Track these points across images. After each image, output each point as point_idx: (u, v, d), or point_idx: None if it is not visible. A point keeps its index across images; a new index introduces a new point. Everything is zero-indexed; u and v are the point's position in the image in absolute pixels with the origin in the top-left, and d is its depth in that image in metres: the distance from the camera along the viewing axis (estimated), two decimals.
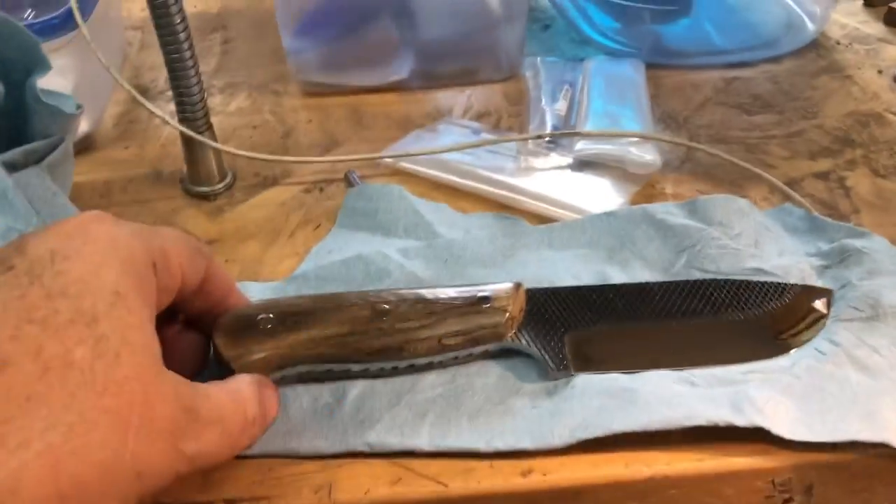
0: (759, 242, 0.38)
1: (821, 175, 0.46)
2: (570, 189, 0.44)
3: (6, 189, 0.36)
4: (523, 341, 0.33)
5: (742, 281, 0.36)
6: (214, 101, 0.56)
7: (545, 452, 0.30)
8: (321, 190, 0.46)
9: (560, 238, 0.40)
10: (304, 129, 0.53)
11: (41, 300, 0.23)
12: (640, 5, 0.58)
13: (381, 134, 0.51)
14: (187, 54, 0.42)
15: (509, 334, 0.33)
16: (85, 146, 0.51)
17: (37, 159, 0.39)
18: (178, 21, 0.41)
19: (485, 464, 0.30)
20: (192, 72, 0.43)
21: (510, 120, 0.52)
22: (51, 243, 0.24)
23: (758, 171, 0.45)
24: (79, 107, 0.41)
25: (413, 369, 0.33)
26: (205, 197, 0.46)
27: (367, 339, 0.32)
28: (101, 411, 0.22)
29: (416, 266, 0.38)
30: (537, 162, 0.46)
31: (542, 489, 0.29)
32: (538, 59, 0.57)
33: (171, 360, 0.26)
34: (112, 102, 0.56)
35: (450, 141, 0.48)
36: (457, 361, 0.33)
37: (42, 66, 0.39)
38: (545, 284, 0.36)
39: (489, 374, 0.33)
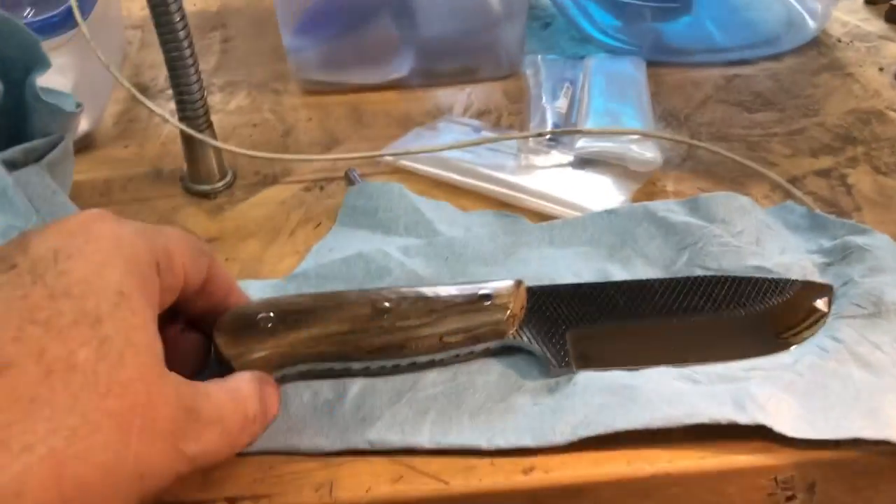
0: (760, 240, 0.38)
1: (822, 173, 0.46)
2: (571, 187, 0.44)
3: (6, 187, 0.36)
4: (525, 338, 0.33)
5: (742, 277, 0.35)
6: (214, 100, 0.56)
7: (547, 450, 0.29)
8: (321, 188, 0.46)
9: (561, 236, 0.40)
10: (304, 128, 0.53)
11: (44, 300, 0.23)
12: (640, 3, 0.57)
13: (381, 132, 0.51)
14: (187, 52, 0.42)
15: (510, 332, 0.33)
16: (85, 145, 0.51)
17: (37, 157, 0.39)
18: (178, 19, 0.41)
19: (486, 461, 0.30)
20: (192, 70, 0.43)
21: (510, 118, 0.52)
22: (53, 242, 0.24)
23: (759, 168, 0.45)
24: (79, 105, 0.41)
25: (414, 367, 0.33)
26: (205, 195, 0.46)
27: (368, 337, 0.32)
28: (104, 413, 0.22)
29: (417, 264, 0.38)
30: (538, 160, 0.46)
31: (544, 487, 0.29)
32: (538, 56, 0.57)
33: (172, 359, 0.26)
34: (112, 101, 0.56)
35: (450, 139, 0.48)
36: (458, 359, 0.33)
37: (42, 64, 0.39)
38: (546, 282, 0.36)
39: (490, 372, 0.33)
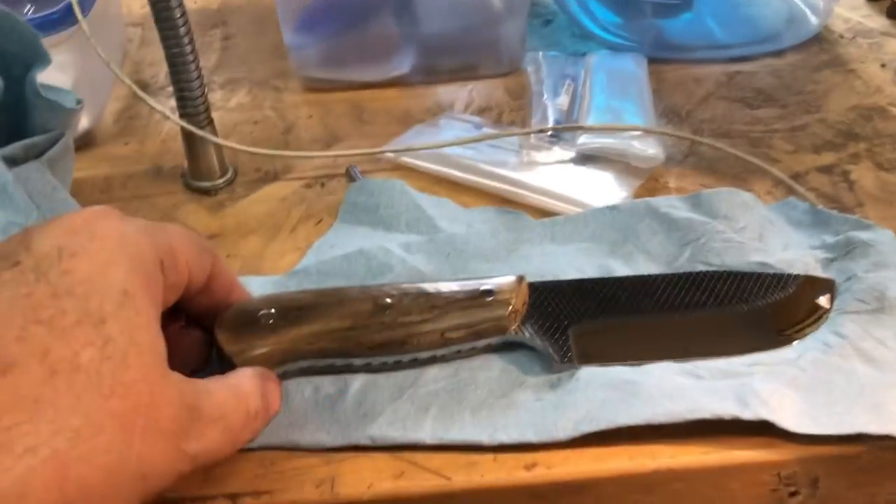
0: (763, 236, 0.38)
1: (825, 169, 0.45)
2: (573, 183, 0.44)
3: (6, 183, 0.36)
4: (527, 334, 0.33)
5: (745, 273, 0.35)
6: (215, 97, 0.56)
7: (549, 446, 0.29)
8: (322, 185, 0.46)
9: (563, 232, 0.40)
10: (305, 125, 0.52)
11: (48, 299, 0.23)
12: None
13: (382, 129, 0.51)
14: (188, 48, 0.42)
15: (512, 327, 0.33)
16: (85, 142, 0.51)
17: (37, 154, 0.39)
18: (179, 15, 0.41)
19: (488, 457, 0.30)
20: (193, 66, 0.43)
21: (511, 115, 0.52)
22: (57, 239, 0.24)
23: (761, 164, 0.45)
24: (79, 102, 0.41)
25: (416, 363, 0.33)
26: (206, 192, 0.46)
27: (370, 333, 0.31)
28: (107, 415, 0.22)
29: (418, 261, 0.38)
30: (539, 156, 0.46)
31: (547, 482, 0.29)
32: (539, 53, 0.56)
33: (174, 356, 0.25)
34: (112, 98, 0.56)
35: (451, 136, 0.48)
36: (460, 355, 0.33)
37: (42, 60, 0.39)
38: (548, 278, 0.36)
39: (492, 368, 0.33)
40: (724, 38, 0.58)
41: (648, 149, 0.45)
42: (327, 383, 0.32)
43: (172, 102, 0.45)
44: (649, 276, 0.36)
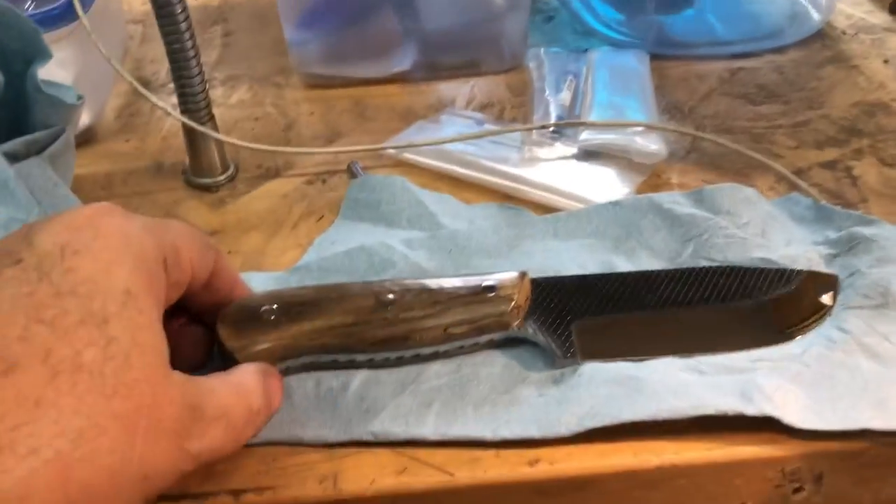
0: (766, 232, 0.38)
1: (828, 165, 0.45)
2: (575, 179, 0.44)
3: (7, 179, 0.35)
4: (529, 330, 0.33)
5: (747, 268, 0.35)
6: (216, 94, 0.56)
7: (552, 442, 0.29)
8: (324, 181, 0.46)
9: (565, 228, 0.40)
10: (306, 122, 0.52)
11: (50, 298, 0.22)
12: None
13: (383, 126, 0.51)
14: (189, 44, 0.42)
15: (515, 323, 0.32)
16: (86, 139, 0.51)
17: (38, 150, 0.39)
18: (180, 10, 0.40)
19: (491, 453, 0.29)
20: (194, 62, 0.42)
21: (513, 111, 0.52)
22: (60, 237, 0.24)
23: (764, 160, 0.45)
24: (80, 97, 0.41)
25: (418, 359, 0.32)
26: (207, 188, 0.46)
27: (372, 328, 0.31)
28: (110, 416, 0.22)
29: (420, 257, 0.38)
30: (542, 152, 0.46)
31: (550, 478, 0.29)
32: (541, 50, 0.56)
33: (176, 353, 0.25)
34: (113, 95, 0.55)
35: (453, 132, 0.48)
36: (462, 351, 0.33)
37: (43, 55, 0.38)
38: (551, 274, 0.36)
39: (495, 364, 0.33)
40: (727, 35, 0.58)
41: (651, 145, 0.44)
42: (329, 379, 0.32)
43: (174, 99, 0.45)
44: (652, 271, 0.36)
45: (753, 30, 0.58)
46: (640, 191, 0.43)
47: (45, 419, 0.21)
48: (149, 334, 0.24)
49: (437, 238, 0.39)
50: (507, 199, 0.43)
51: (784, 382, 0.30)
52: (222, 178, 0.46)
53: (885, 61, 0.55)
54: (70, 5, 0.43)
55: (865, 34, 0.59)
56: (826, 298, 0.34)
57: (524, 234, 0.40)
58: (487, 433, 0.30)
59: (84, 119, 0.49)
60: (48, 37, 0.41)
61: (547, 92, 0.51)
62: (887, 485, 0.30)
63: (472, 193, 0.44)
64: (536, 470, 0.29)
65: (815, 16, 0.59)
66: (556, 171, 0.45)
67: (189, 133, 0.45)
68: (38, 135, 0.39)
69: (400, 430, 0.30)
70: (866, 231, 0.36)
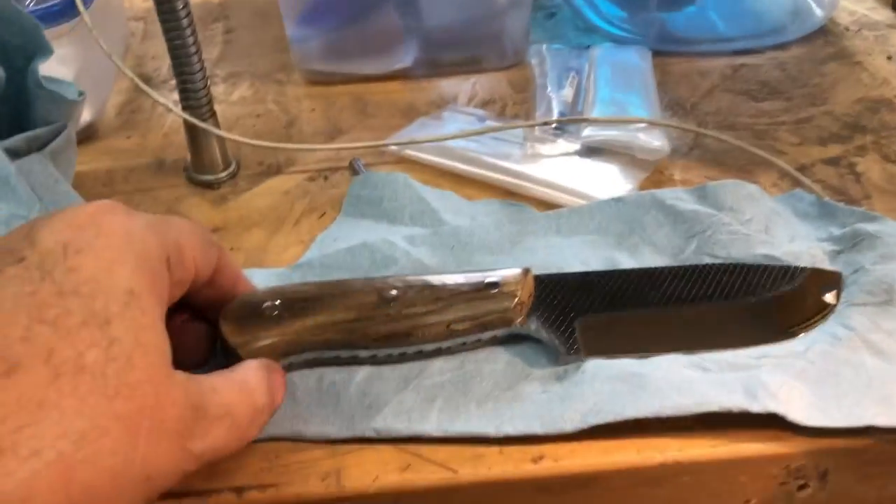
0: (769, 228, 0.38)
1: (831, 161, 0.45)
2: (578, 175, 0.44)
3: (9, 175, 0.35)
4: (532, 326, 0.32)
5: (751, 265, 0.35)
6: (217, 91, 0.55)
7: (556, 438, 0.29)
8: (326, 178, 0.46)
9: (568, 224, 0.40)
10: (308, 118, 0.52)
11: (53, 298, 0.22)
12: None
13: (385, 122, 0.51)
14: (190, 40, 0.41)
15: (518, 320, 0.32)
16: (87, 135, 0.50)
17: (39, 146, 0.39)
18: (181, 6, 0.40)
19: (494, 450, 0.29)
20: (196, 58, 0.42)
21: (515, 107, 0.52)
22: (62, 234, 0.24)
23: (767, 156, 0.45)
24: (81, 93, 0.41)
25: (421, 355, 0.32)
26: (208, 185, 0.46)
27: (375, 324, 0.31)
28: (112, 417, 0.22)
29: (423, 253, 0.38)
30: (544, 148, 0.46)
31: (554, 475, 0.29)
32: (543, 46, 0.56)
33: (178, 349, 0.25)
34: (114, 92, 0.55)
35: (455, 128, 0.48)
36: (465, 347, 0.33)
37: (44, 50, 0.38)
38: (553, 270, 0.36)
39: (497, 360, 0.32)
40: (728, 31, 0.58)
41: (654, 141, 0.44)
42: (332, 375, 0.32)
43: (175, 96, 0.45)
44: (655, 268, 0.36)
45: (755, 26, 0.58)
46: (642, 187, 0.43)
47: (47, 421, 0.21)
48: (151, 334, 0.24)
49: (440, 234, 0.39)
50: (509, 195, 0.43)
51: (788, 379, 0.30)
52: (224, 174, 0.46)
53: (889, 58, 0.55)
54: (71, 2, 0.42)
55: (868, 30, 0.59)
56: (830, 296, 0.34)
57: (526, 230, 0.39)
58: (490, 429, 0.29)
59: (85, 116, 0.49)
60: (49, 33, 0.40)
61: (549, 88, 0.51)
62: (892, 481, 0.30)
63: (474, 190, 0.44)
64: (540, 467, 0.29)
65: (818, 12, 0.59)
66: (558, 167, 0.44)
67: (190, 130, 0.45)
68: (39, 131, 0.39)
69: (403, 427, 0.30)
70: (870, 227, 0.36)
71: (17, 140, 0.38)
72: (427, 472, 0.29)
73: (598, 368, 0.31)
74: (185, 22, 0.41)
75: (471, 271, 0.33)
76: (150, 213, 0.27)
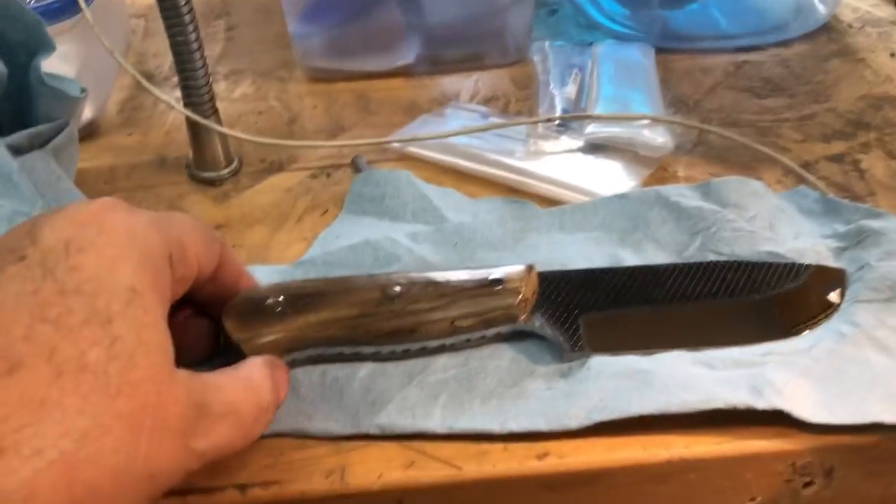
0: (774, 225, 0.38)
1: (835, 158, 0.45)
2: (581, 172, 0.43)
3: (11, 172, 0.35)
4: (536, 323, 0.32)
5: (756, 262, 0.35)
6: (219, 88, 0.55)
7: (561, 435, 0.29)
8: (328, 175, 0.46)
9: (572, 221, 0.39)
10: (310, 115, 0.52)
11: (55, 296, 0.22)
12: None
13: (387, 119, 0.51)
14: (192, 37, 0.41)
15: (522, 316, 0.32)
16: (89, 132, 0.50)
17: (41, 143, 0.39)
18: (183, 3, 0.40)
19: (499, 447, 0.29)
20: (198, 55, 0.42)
21: (518, 104, 0.52)
22: (64, 233, 0.24)
23: (771, 153, 0.45)
24: (83, 90, 0.41)
25: (425, 352, 0.32)
26: (211, 182, 0.46)
27: (378, 321, 0.31)
28: (114, 415, 0.22)
29: (426, 250, 0.38)
30: (547, 145, 0.46)
31: (559, 472, 0.29)
32: (546, 43, 0.56)
33: (181, 346, 0.25)
34: (116, 89, 0.55)
35: (457, 125, 0.48)
36: (469, 344, 0.33)
37: (46, 46, 0.38)
38: (557, 267, 0.36)
39: (502, 357, 0.32)
40: (731, 29, 0.58)
41: (657, 137, 0.44)
42: (336, 371, 0.32)
43: (177, 93, 0.45)
44: (659, 265, 0.36)
45: (758, 23, 0.58)
46: (646, 184, 0.43)
47: (49, 419, 0.21)
48: (154, 333, 0.24)
49: (442, 231, 0.39)
50: (512, 192, 0.43)
51: (794, 376, 0.30)
52: (226, 171, 0.46)
53: (892, 54, 0.55)
54: None
55: (872, 27, 0.59)
56: (834, 293, 0.34)
57: (530, 226, 0.39)
58: (495, 426, 0.29)
59: (87, 113, 0.49)
60: (51, 30, 0.40)
61: (552, 85, 0.51)
62: None
63: (476, 187, 0.44)
64: (545, 464, 0.29)
65: (821, 9, 0.59)
66: (561, 164, 0.44)
67: (193, 127, 0.45)
68: (41, 128, 0.39)
69: (406, 423, 0.30)
70: (875, 224, 0.36)
71: (19, 137, 0.38)
72: (431, 468, 0.29)
73: (602, 365, 0.31)
74: (187, 18, 0.41)
75: (474, 268, 0.33)
76: (152, 210, 0.27)
